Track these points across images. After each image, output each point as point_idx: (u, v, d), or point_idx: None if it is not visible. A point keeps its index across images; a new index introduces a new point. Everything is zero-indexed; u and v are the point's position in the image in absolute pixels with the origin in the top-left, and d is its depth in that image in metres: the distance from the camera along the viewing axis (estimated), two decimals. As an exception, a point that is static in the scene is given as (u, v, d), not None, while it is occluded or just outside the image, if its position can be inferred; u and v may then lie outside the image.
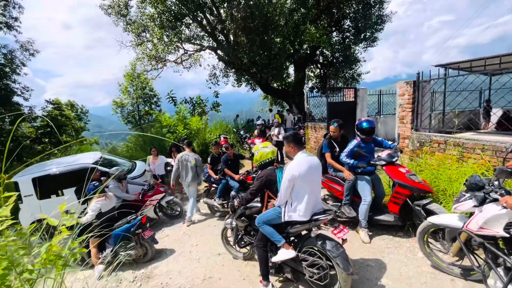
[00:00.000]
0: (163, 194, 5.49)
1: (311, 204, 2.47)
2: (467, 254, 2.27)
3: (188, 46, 12.67)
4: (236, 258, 3.59)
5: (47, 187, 5.59)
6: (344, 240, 2.48)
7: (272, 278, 2.93)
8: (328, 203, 4.09)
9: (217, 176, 5.39)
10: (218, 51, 12.65)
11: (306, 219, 2.46)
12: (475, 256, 2.29)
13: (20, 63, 12.41)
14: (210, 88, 13.54)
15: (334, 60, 14.07)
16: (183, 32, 11.73)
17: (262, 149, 2.94)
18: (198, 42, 12.54)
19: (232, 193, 3.40)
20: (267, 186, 2.78)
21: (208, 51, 12.89)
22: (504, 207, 1.88)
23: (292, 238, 2.70)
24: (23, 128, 14.86)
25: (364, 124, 3.50)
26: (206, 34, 12.27)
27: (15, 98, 12.44)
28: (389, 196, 3.52)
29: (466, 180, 2.31)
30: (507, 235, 1.91)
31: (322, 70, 15.24)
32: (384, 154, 3.41)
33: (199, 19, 11.36)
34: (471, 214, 2.22)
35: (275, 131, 7.91)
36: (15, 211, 5.83)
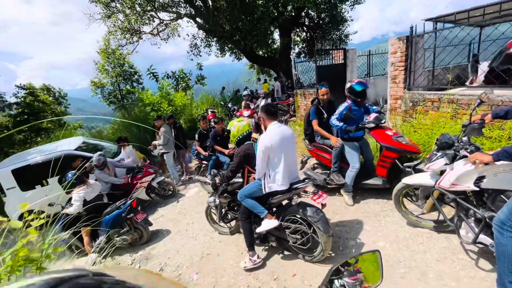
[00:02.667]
0: (153, 175, 5.34)
1: (288, 173, 2.55)
2: (440, 210, 2.42)
3: (163, 15, 11.64)
4: (223, 234, 3.64)
5: (29, 177, 5.33)
6: (323, 205, 2.60)
7: (258, 248, 3.09)
8: (317, 172, 4.08)
9: (207, 153, 5.23)
10: (197, 19, 11.71)
11: (286, 188, 2.55)
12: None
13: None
14: (192, 60, 12.79)
15: (321, 22, 13.35)
16: (156, -1, 10.70)
17: (238, 123, 2.93)
18: (174, 9, 11.52)
19: (212, 171, 3.34)
20: (246, 161, 2.83)
21: (186, 19, 11.93)
22: (474, 163, 1.93)
23: (274, 209, 2.79)
24: (-2, 118, 14.01)
25: (357, 86, 3.32)
26: (182, 0, 11.24)
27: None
28: (377, 159, 3.51)
29: (437, 140, 2.35)
30: (477, 189, 2.00)
31: (308, 33, 14.52)
32: (372, 117, 3.32)
33: (172, -18, 10.32)
34: (442, 172, 2.31)
35: (261, 102, 7.64)
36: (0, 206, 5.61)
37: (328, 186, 3.74)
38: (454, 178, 2.11)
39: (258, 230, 2.71)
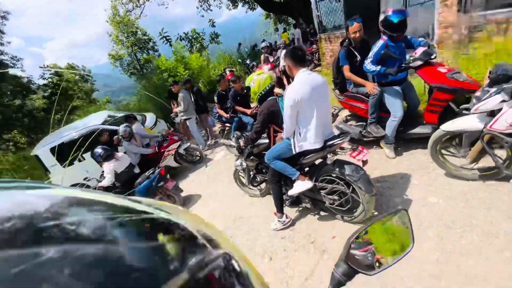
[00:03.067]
0: (179, 142, 5.30)
1: (321, 128, 2.23)
2: (491, 155, 2.12)
3: (166, -32, 10.64)
4: (253, 196, 3.53)
5: (66, 154, 5.60)
6: (364, 162, 2.33)
7: (292, 210, 2.94)
8: (350, 125, 3.64)
9: (228, 115, 4.97)
10: (203, -33, 10.55)
11: (319, 146, 2.25)
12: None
13: (-1, 31, 11.45)
14: (203, 16, 11.91)
15: None
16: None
17: (258, 77, 2.54)
18: (176, -41, 10.42)
19: (236, 133, 3.08)
20: (271, 120, 2.51)
21: (191, -31, 10.81)
22: None
23: (307, 169, 2.54)
24: (34, 101, 14.87)
25: (394, 17, 2.67)
26: None
27: (12, 71, 11.98)
28: (425, 104, 2.96)
29: (490, 72, 2.00)
30: None
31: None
32: (419, 52, 2.69)
33: None
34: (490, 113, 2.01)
35: (282, 53, 6.91)
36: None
37: (365, 139, 3.32)
38: None
39: (290, 192, 2.51)
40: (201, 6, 11.86)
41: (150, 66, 14.38)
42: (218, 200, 3.93)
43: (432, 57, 2.66)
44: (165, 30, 12.43)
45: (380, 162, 3.21)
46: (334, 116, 3.72)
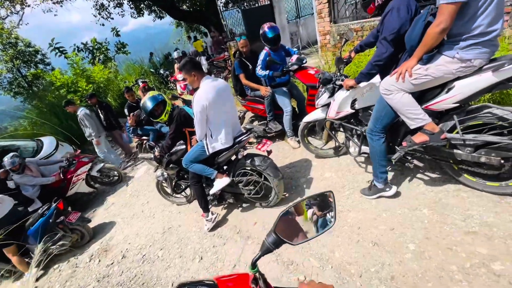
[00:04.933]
0: (89, 164, 4.75)
1: (230, 128, 2.48)
2: (333, 137, 2.87)
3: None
4: (181, 204, 3.56)
5: None
6: (269, 152, 2.66)
7: (218, 208, 3.16)
8: (254, 124, 4.16)
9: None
10: (95, -28, 9.65)
11: (230, 145, 2.49)
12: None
13: None
14: (103, 25, 10.85)
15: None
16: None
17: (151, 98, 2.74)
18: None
19: (149, 144, 3.08)
20: (183, 124, 2.68)
21: (80, -26, 9.73)
22: (347, 90, 2.32)
23: (225, 167, 2.78)
24: None
25: (268, 32, 3.28)
26: None
27: None
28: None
29: (319, 78, 2.65)
30: (353, 111, 2.41)
31: (231, -22, 13.26)
32: (294, 59, 3.37)
33: None
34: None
35: (186, 59, 7.01)
36: None
37: (268, 135, 3.85)
38: (337, 107, 2.46)
39: (212, 191, 2.68)
40: (99, 14, 10.78)
41: (41, 82, 12.19)
42: (144, 217, 3.73)
43: (304, 61, 3.33)
44: (58, 40, 10.77)
45: (289, 152, 3.70)
46: (241, 118, 4.21)
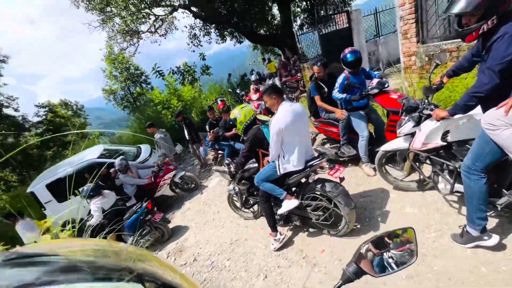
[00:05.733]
0: (174, 171, 5.49)
1: (303, 152, 2.52)
2: (417, 169, 2.58)
3: (158, 11, 11.51)
4: (248, 219, 3.70)
5: (62, 189, 5.68)
6: (341, 179, 2.59)
7: (283, 229, 3.14)
8: (326, 147, 4.05)
9: (212, 133, 5.25)
10: (192, 8, 11.43)
11: (301, 168, 2.51)
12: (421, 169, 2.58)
13: (-5, 74, 11.87)
14: (194, 51, 12.62)
15: (320, -14, 12.51)
16: (148, -5, 10.50)
17: (242, 109, 2.88)
18: (167, 2, 11.30)
19: (226, 160, 3.35)
20: (257, 145, 2.80)
21: (181, 11, 11.68)
22: (437, 120, 2.07)
23: (294, 189, 2.80)
24: (27, 138, 14.95)
25: (349, 56, 3.26)
26: (174, -9, 10.97)
27: (6, 111, 12.21)
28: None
29: (403, 105, 2.50)
30: (445, 143, 2.15)
31: (308, 2, 13.72)
32: (374, 82, 3.21)
33: (161, -26, 10.03)
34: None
35: (269, 83, 7.42)
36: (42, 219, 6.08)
37: (340, 159, 3.70)
38: (424, 138, 2.24)
39: (280, 211, 2.73)
40: (191, 42, 12.65)
41: (143, 99, 14.87)
42: (214, 226, 4.05)
43: (386, 86, 3.13)
44: (158, 64, 13.08)
45: (363, 179, 3.48)
46: (312, 140, 4.15)
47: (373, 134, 3.61)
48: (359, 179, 3.49)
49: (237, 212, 3.82)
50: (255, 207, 3.57)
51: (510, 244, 1.92)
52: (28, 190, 5.70)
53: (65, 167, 5.94)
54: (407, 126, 2.44)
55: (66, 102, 18.52)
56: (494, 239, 1.86)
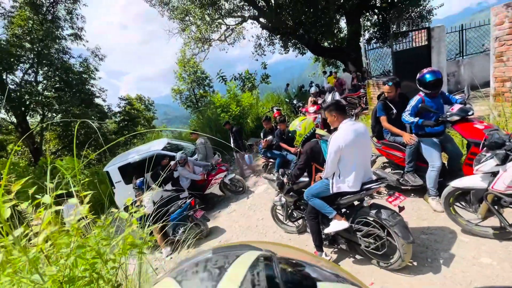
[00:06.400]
0: (225, 172, 5.75)
1: (360, 174, 2.40)
2: (497, 215, 2.26)
3: (229, 21, 12.38)
4: (291, 232, 3.62)
5: (130, 173, 6.47)
6: (401, 208, 2.42)
7: (328, 250, 2.97)
8: (386, 171, 3.73)
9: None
10: (261, 19, 11.97)
11: (357, 190, 2.39)
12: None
13: (94, 69, 14.25)
14: (257, 60, 13.14)
15: (395, 0, 11.76)
16: (223, 6, 11.39)
17: (303, 121, 2.84)
18: (239, 13, 12.08)
19: (280, 170, 3.34)
20: (313, 159, 2.74)
21: (250, 21, 12.35)
22: None
23: (344, 210, 2.65)
24: (108, 125, 17.52)
25: (428, 76, 2.91)
26: (245, 3, 11.67)
27: (97, 100, 14.54)
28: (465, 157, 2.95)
29: (485, 139, 2.26)
30: None
31: (380, 16, 13.03)
32: (455, 108, 2.82)
33: (236, -13, 10.80)
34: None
35: (328, 97, 7.25)
36: (110, 196, 7.00)
37: (402, 187, 3.36)
38: (510, 180, 2.00)
39: (327, 230, 2.62)
40: (256, 51, 13.21)
41: (204, 100, 16.05)
42: (257, 232, 4.09)
43: (469, 113, 2.75)
44: (222, 70, 14.03)
45: (428, 213, 3.10)
46: (372, 162, 3.84)
47: (446, 165, 3.19)
48: (422, 212, 3.12)
49: (279, 225, 3.78)
50: (300, 221, 3.49)
51: None
52: (105, 169, 6.63)
53: (134, 154, 6.76)
54: (489, 163, 2.15)
55: (141, 97, 21.12)
56: None
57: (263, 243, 0.46)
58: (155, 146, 6.93)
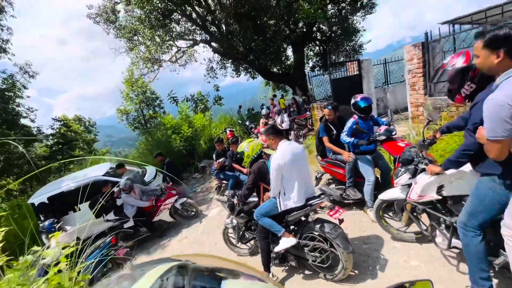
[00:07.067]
0: (176, 196, 5.46)
1: (303, 189, 2.56)
2: (415, 221, 2.58)
3: (180, 43, 12.42)
4: (243, 255, 3.57)
5: (63, 204, 5.66)
6: (341, 221, 2.59)
7: (279, 269, 3.03)
8: (331, 187, 4.04)
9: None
10: (212, 43, 12.29)
11: (301, 204, 2.55)
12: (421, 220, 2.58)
13: (22, 86, 12.55)
14: (210, 82, 13.28)
15: (333, 35, 13.42)
16: (174, 29, 11.41)
17: (250, 143, 2.98)
18: (190, 37, 12.22)
19: (230, 191, 3.35)
20: (260, 178, 2.85)
21: (202, 45, 12.56)
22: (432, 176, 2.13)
23: (292, 227, 2.76)
24: (36, 149, 15.27)
25: (361, 103, 3.41)
26: (197, 28, 11.90)
27: (23, 121, 12.67)
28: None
29: (399, 157, 2.59)
30: (440, 197, 2.18)
31: (321, 47, 14.62)
32: (382, 129, 3.30)
33: (188, 13, 10.98)
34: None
35: (277, 119, 7.67)
36: (35, 233, 5.96)
37: (345, 201, 3.68)
38: (420, 190, 2.26)
39: (276, 249, 2.67)
40: (208, 74, 13.37)
41: (153, 121, 15.34)
42: (210, 258, 3.91)
43: (393, 133, 3.22)
44: (173, 91, 13.75)
45: (368, 224, 3.39)
46: (318, 179, 4.19)
47: (380, 179, 3.61)
48: (363, 224, 3.41)
49: (232, 249, 3.69)
50: (252, 242, 3.47)
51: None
52: (29, 201, 5.69)
53: (69, 181, 5.99)
54: (404, 177, 2.48)
55: (80, 118, 19.18)
56: None
57: (185, 256, 0.49)
58: (95, 171, 6.27)
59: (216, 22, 11.31)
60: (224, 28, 11.29)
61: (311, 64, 15.64)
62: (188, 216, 5.65)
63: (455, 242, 2.14)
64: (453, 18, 6.10)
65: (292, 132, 8.22)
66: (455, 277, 2.24)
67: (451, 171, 2.02)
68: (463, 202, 2.00)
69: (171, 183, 5.97)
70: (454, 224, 2.07)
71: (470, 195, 1.83)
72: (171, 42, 11.52)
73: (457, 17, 6.09)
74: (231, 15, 10.05)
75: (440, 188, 2.15)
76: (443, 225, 2.28)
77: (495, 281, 2.02)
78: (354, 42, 13.76)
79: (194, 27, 11.92)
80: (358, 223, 3.46)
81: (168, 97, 12.83)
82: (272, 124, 2.92)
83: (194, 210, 5.66)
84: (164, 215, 5.46)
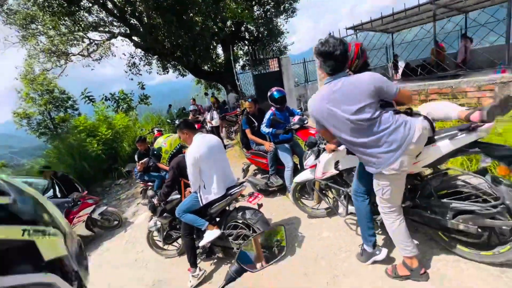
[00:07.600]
0: (93, 206, 4.82)
1: (222, 179, 2.58)
2: (322, 197, 2.90)
3: (94, 35, 10.96)
4: (171, 257, 3.45)
5: None
6: (260, 205, 2.69)
7: (207, 263, 3.03)
8: (257, 177, 4.27)
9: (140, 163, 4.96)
10: (133, 37, 11.27)
11: (222, 194, 2.57)
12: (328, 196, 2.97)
13: None
14: (132, 79, 12.16)
15: (260, 35, 14.01)
16: (84, 18, 10.01)
17: (168, 138, 2.91)
18: (106, 29, 10.92)
19: (149, 192, 3.18)
20: (180, 174, 2.76)
21: (120, 38, 11.38)
22: (329, 152, 2.44)
23: (217, 219, 2.78)
24: None
25: (275, 94, 3.71)
26: (114, 19, 10.72)
27: None
28: None
29: (305, 142, 2.86)
30: (338, 171, 2.50)
31: (249, 47, 15.10)
32: (296, 119, 3.67)
33: (101, 1, 9.78)
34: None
35: (207, 116, 7.62)
36: None
37: (270, 189, 3.92)
38: (322, 167, 2.54)
39: (201, 243, 2.65)
40: (130, 70, 12.21)
41: (66, 125, 13.18)
42: (136, 267, 3.60)
43: (305, 122, 3.62)
44: (92, 90, 12.09)
45: (290, 207, 3.65)
46: (245, 171, 4.36)
47: (298, 165, 3.94)
48: (286, 207, 3.68)
49: (159, 252, 3.50)
50: (179, 241, 3.35)
51: (398, 257, 2.15)
52: None
53: None
54: (311, 159, 2.76)
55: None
56: (383, 252, 2.16)
57: None
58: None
59: (137, 14, 10.40)
60: (146, 20, 10.47)
61: (241, 62, 16.00)
62: (111, 226, 5.06)
63: (351, 208, 2.48)
64: (356, 24, 7.12)
65: (224, 129, 8.27)
66: (357, 240, 2.62)
67: (343, 146, 2.30)
68: (353, 173, 2.34)
69: (86, 191, 5.23)
70: (349, 193, 2.40)
71: (357, 166, 2.16)
72: (81, 33, 10.07)
73: (358, 23, 7.13)
74: (153, 8, 9.39)
75: (337, 164, 2.47)
76: (342, 196, 2.63)
77: (383, 237, 2.46)
78: (279, 43, 14.68)
79: (110, 18, 10.69)
80: (282, 207, 3.71)
81: (82, 96, 11.21)
82: (184, 119, 2.86)
83: (118, 219, 5.11)
84: (79, 229, 4.75)
